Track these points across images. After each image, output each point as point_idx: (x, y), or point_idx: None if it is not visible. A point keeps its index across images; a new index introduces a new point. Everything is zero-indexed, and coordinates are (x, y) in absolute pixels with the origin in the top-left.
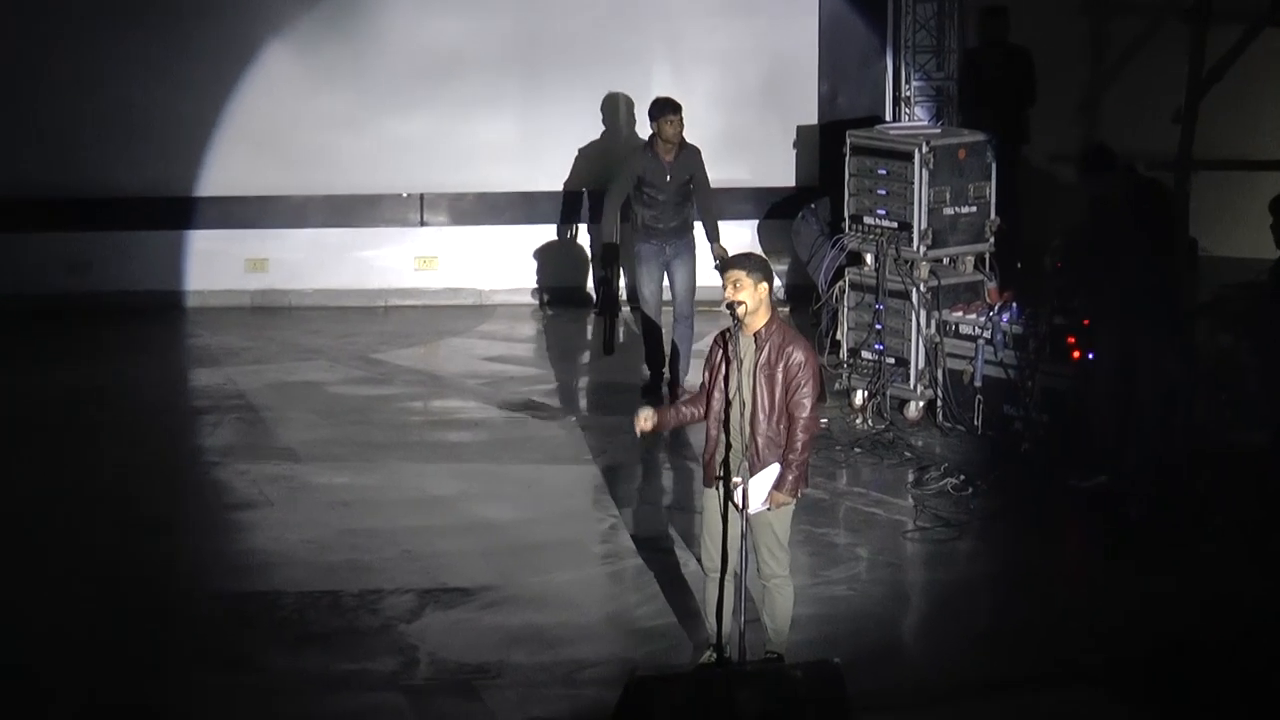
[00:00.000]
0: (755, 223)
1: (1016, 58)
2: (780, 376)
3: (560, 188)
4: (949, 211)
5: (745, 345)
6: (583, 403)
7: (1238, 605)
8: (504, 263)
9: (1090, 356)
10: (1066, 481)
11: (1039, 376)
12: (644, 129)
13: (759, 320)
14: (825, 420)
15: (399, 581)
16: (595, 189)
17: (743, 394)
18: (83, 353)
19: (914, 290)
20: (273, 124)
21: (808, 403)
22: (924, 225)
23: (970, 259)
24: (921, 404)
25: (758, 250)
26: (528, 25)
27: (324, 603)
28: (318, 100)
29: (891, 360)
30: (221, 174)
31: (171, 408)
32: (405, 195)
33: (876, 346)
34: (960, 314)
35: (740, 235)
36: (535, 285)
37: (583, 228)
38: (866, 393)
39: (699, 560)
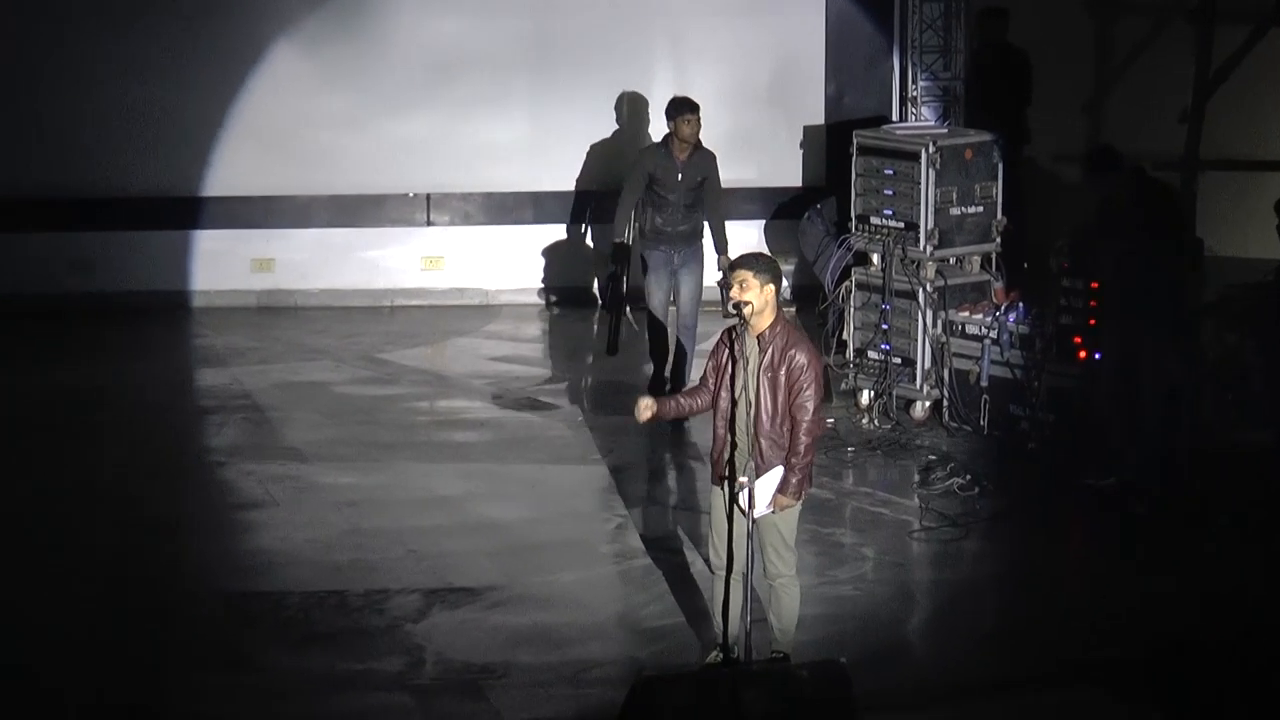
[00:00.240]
0: (762, 223)
1: (1013, 58)
2: (783, 379)
3: (567, 187)
4: (955, 211)
5: (750, 346)
6: (589, 403)
7: (1241, 605)
8: (510, 263)
9: (1097, 356)
10: (1081, 481)
11: (1045, 376)
12: (651, 128)
13: (763, 322)
14: (831, 420)
15: (405, 581)
16: (602, 189)
17: (748, 394)
18: (87, 353)
19: (920, 290)
20: (279, 124)
21: (810, 405)
22: (930, 225)
23: (977, 259)
24: (928, 404)
25: (765, 250)
26: (534, 25)
27: (330, 602)
28: (324, 100)
29: (898, 360)
30: (227, 174)
31: (177, 408)
32: (411, 195)
33: (883, 346)
34: (966, 314)
35: (747, 235)
36: (541, 285)
37: (590, 228)
38: (873, 393)
39: (705, 560)
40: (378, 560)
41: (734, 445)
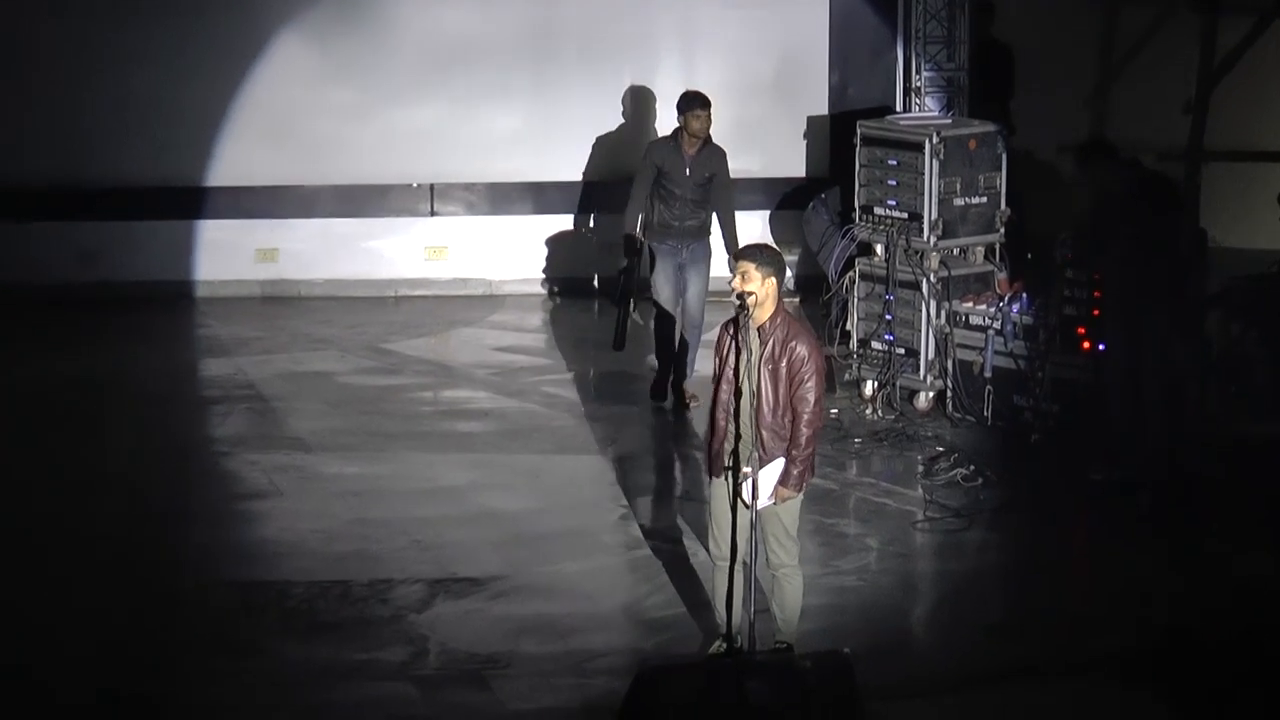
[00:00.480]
0: (766, 213)
1: (996, 52)
2: (784, 371)
3: (571, 178)
4: (959, 202)
5: (752, 337)
6: (593, 393)
7: (1248, 595)
8: (514, 253)
9: (1101, 348)
10: (1086, 474)
11: (1049, 367)
12: (656, 118)
13: (764, 313)
14: (835, 411)
15: (409, 571)
16: (606, 179)
17: (751, 385)
18: (92, 343)
19: (924, 281)
20: (283, 114)
21: (811, 397)
22: (934, 216)
23: (980, 250)
24: (931, 394)
25: (769, 240)
26: (538, 15)
27: (334, 592)
28: (328, 90)
29: (901, 351)
30: (231, 164)
31: (181, 397)
32: (415, 185)
33: (886, 337)
34: (970, 304)
35: (751, 225)
36: (545, 275)
37: (594, 218)
38: (876, 383)
39: (708, 550)
40: (382, 550)
41: (738, 436)
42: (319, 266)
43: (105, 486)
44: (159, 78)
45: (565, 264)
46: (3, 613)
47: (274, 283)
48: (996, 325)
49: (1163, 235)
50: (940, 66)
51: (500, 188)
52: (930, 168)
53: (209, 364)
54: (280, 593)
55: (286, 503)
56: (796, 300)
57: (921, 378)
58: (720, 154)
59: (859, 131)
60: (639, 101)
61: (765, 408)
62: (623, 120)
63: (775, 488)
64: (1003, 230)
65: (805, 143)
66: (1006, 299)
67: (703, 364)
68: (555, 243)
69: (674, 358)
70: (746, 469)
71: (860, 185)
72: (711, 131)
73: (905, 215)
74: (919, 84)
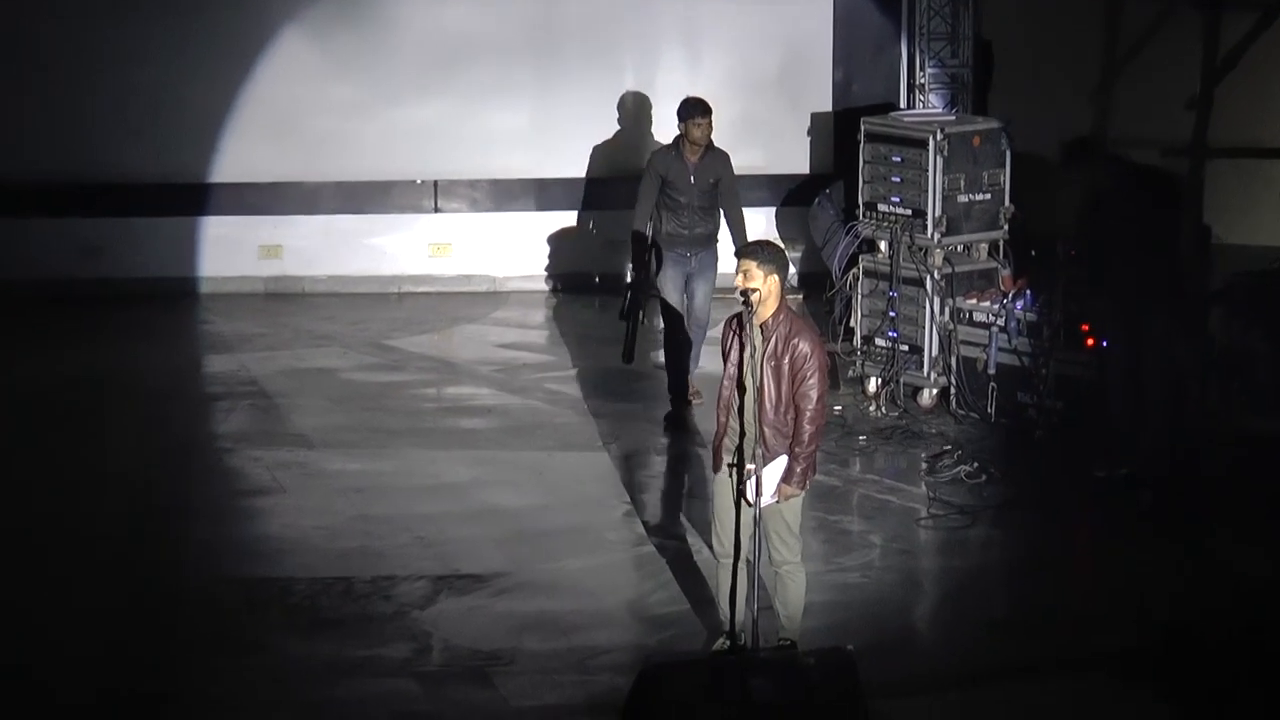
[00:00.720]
0: (771, 210)
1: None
2: (787, 368)
3: (574, 174)
4: (963, 199)
5: (755, 335)
6: (596, 389)
7: (1250, 592)
8: (517, 249)
9: (1104, 344)
10: (1090, 471)
11: (1053, 364)
12: (659, 115)
13: (767, 310)
14: (839, 407)
15: (412, 568)
16: (609, 176)
17: (754, 382)
18: (95, 338)
19: (928, 277)
20: (286, 110)
21: (814, 394)
22: (938, 212)
23: (984, 246)
24: (935, 391)
25: (774, 236)
26: (541, 11)
27: (337, 589)
28: (331, 86)
29: (905, 347)
30: (235, 160)
31: (184, 394)
32: (419, 182)
33: (890, 334)
34: (974, 301)
35: (756, 222)
36: (549, 272)
37: (597, 214)
38: (880, 380)
39: (711, 547)
40: (385, 546)
41: (742, 433)
42: (322, 263)
43: (107, 483)
44: (162, 74)
45: (568, 260)
46: (3, 612)
47: (277, 279)
48: (1000, 322)
49: (1160, 229)
50: (944, 63)
51: (503, 184)
52: (934, 164)
53: (212, 360)
54: (283, 589)
55: (289, 499)
56: (800, 297)
57: (925, 374)
58: (724, 157)
59: (863, 128)
60: (643, 98)
61: (768, 404)
62: (626, 116)
63: (778, 485)
64: (1006, 227)
65: (809, 139)
66: (1010, 296)
67: (709, 361)
68: (559, 239)
69: (688, 387)
70: (750, 466)
71: (864, 182)
72: (715, 129)
73: (909, 212)
74: (923, 80)
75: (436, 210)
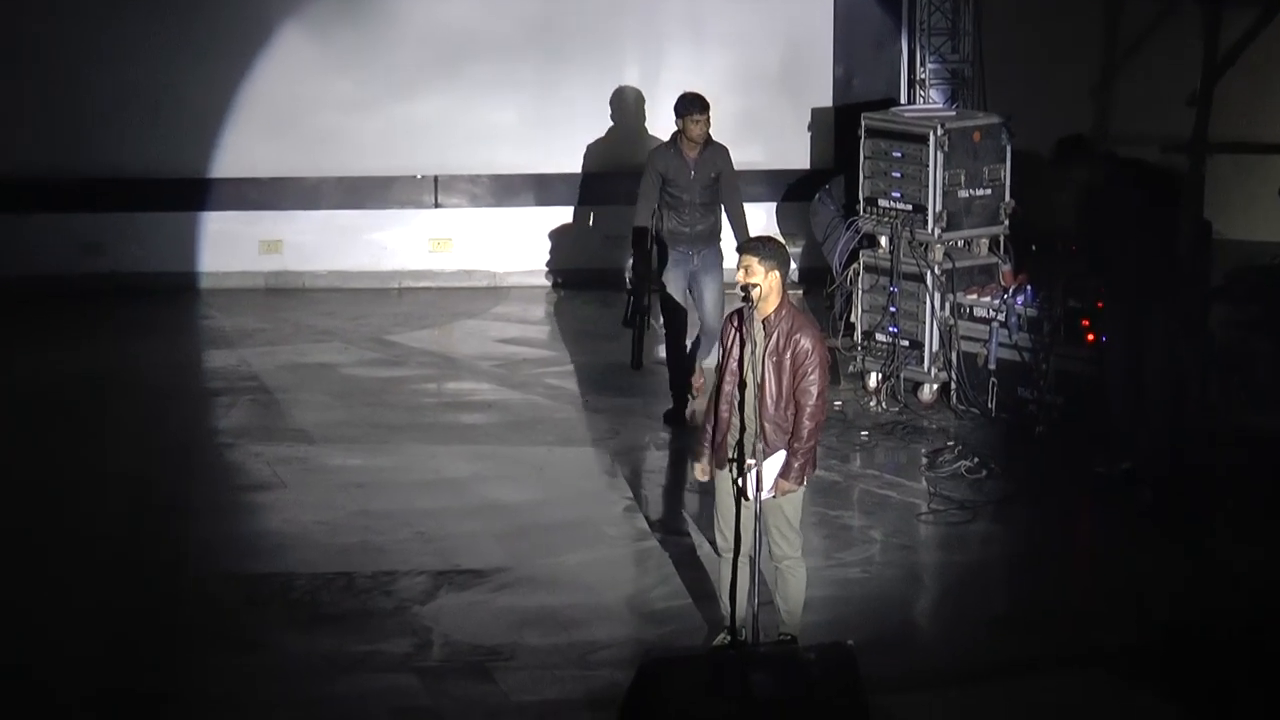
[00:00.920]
0: (772, 205)
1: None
2: (788, 363)
3: (575, 169)
4: (964, 194)
5: (756, 330)
6: (596, 385)
7: (1251, 589)
8: (518, 244)
9: (1104, 340)
10: (1090, 468)
11: (1053, 359)
12: (659, 110)
13: (769, 306)
14: (839, 403)
15: (412, 563)
16: (610, 171)
17: (755, 377)
18: (96, 334)
19: (928, 273)
20: (287, 105)
21: (814, 390)
22: (939, 208)
23: (985, 242)
24: (935, 387)
25: (775, 232)
26: (542, 6)
27: (337, 584)
28: (332, 81)
29: (905, 343)
30: (236, 155)
31: (185, 389)
32: (419, 177)
33: (891, 329)
34: (974, 297)
35: (756, 217)
36: (549, 267)
37: (597, 210)
38: (880, 375)
39: (712, 542)
40: (385, 542)
41: (742, 428)
42: (323, 258)
43: (107, 479)
44: (162, 69)
45: (569, 256)
46: (3, 612)
47: (278, 274)
48: (1001, 317)
49: (1158, 226)
50: (945, 58)
51: (504, 179)
52: (935, 160)
53: (212, 356)
54: (283, 585)
55: (290, 494)
56: (800, 292)
57: (925, 370)
58: (723, 151)
59: (863, 124)
60: (642, 93)
61: (769, 400)
62: (626, 112)
63: (776, 480)
64: (1007, 222)
65: (810, 134)
66: (1011, 291)
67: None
68: (559, 234)
69: (689, 388)
70: (750, 460)
71: (864, 177)
72: (717, 120)
73: (909, 207)
74: (923, 76)
75: (437, 205)
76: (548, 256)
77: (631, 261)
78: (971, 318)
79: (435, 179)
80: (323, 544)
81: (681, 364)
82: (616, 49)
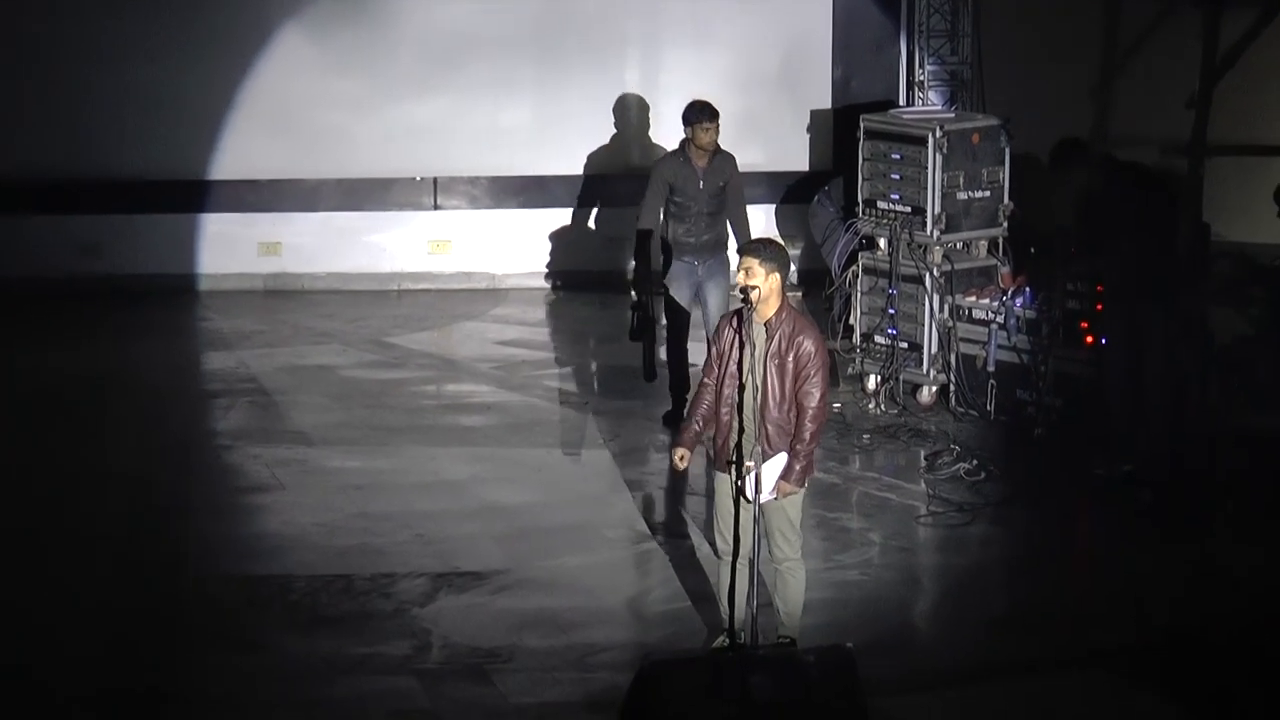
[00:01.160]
0: (771, 207)
1: None
2: (790, 365)
3: (574, 171)
4: (963, 196)
5: (757, 333)
6: (596, 387)
7: (1251, 591)
8: (517, 246)
9: (1103, 341)
10: (1089, 469)
11: (1052, 361)
12: (659, 112)
13: (769, 309)
14: (838, 405)
15: (411, 565)
16: (609, 173)
17: (755, 380)
18: (94, 336)
19: (927, 275)
20: (286, 107)
21: (816, 392)
22: (937, 210)
23: (984, 244)
24: (934, 389)
25: (774, 234)
26: (541, 8)
27: (336, 586)
28: (331, 83)
29: (904, 345)
30: (234, 157)
31: (183, 391)
32: (418, 179)
33: (889, 331)
34: (973, 299)
35: (755, 219)
36: (548, 269)
37: (597, 212)
38: (879, 378)
39: (712, 544)
40: (384, 544)
41: (741, 430)
42: (321, 260)
43: (107, 481)
44: (160, 70)
45: (568, 258)
46: (3, 612)
47: (276, 276)
48: (999, 319)
49: (1157, 228)
50: (944, 60)
51: (503, 181)
52: (933, 162)
53: (211, 357)
54: (282, 587)
55: (288, 496)
56: (799, 294)
57: (924, 372)
58: (730, 160)
59: (862, 125)
60: (641, 95)
61: (770, 402)
62: (626, 114)
63: (777, 482)
64: (1006, 224)
65: (809, 136)
66: (1009, 293)
67: None
68: (558, 236)
69: (688, 388)
70: (749, 463)
71: (863, 179)
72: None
73: (908, 209)
74: (922, 78)
75: (436, 207)
76: (547, 258)
77: (633, 264)
78: (970, 320)
79: (434, 181)
80: (322, 546)
81: (683, 366)
82: (616, 51)
